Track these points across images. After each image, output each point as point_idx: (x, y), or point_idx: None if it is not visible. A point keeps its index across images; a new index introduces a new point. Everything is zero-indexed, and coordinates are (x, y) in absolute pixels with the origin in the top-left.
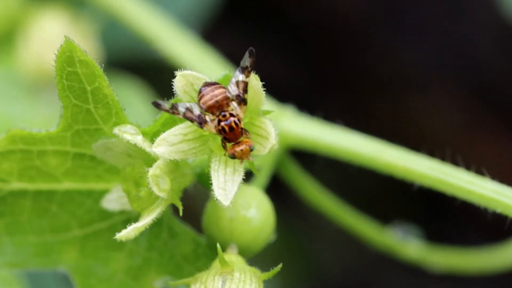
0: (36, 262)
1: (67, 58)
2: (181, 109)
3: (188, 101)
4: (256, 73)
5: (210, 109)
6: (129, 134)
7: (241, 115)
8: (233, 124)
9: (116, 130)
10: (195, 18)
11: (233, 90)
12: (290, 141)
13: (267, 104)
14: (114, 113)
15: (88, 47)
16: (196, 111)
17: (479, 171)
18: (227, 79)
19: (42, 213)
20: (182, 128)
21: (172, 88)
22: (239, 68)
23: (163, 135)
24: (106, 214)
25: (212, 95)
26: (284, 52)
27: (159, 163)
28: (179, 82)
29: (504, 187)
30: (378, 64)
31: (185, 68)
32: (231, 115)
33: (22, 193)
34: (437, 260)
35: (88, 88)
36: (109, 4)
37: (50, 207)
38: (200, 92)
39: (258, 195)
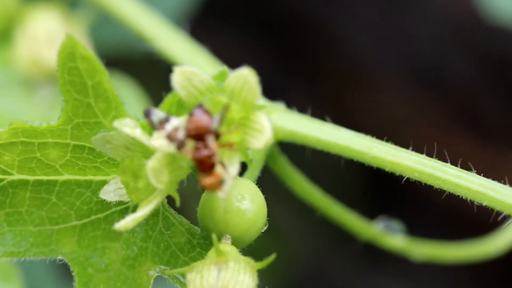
0: (36, 252)
1: (69, 54)
2: (169, 127)
3: (186, 97)
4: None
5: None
6: (128, 127)
7: (216, 151)
8: (203, 158)
9: (115, 123)
10: (180, 16)
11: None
12: (280, 135)
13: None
14: (113, 107)
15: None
16: (181, 133)
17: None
18: (223, 75)
19: (42, 204)
20: (179, 122)
21: (165, 84)
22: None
23: None
24: (104, 205)
25: (196, 125)
26: (254, 47)
27: (157, 155)
28: (177, 78)
29: (489, 181)
30: (332, 59)
31: (181, 64)
32: (205, 146)
33: (22, 184)
34: (419, 254)
35: (89, 83)
36: (100, 2)
37: (49, 198)
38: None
39: (251, 187)
